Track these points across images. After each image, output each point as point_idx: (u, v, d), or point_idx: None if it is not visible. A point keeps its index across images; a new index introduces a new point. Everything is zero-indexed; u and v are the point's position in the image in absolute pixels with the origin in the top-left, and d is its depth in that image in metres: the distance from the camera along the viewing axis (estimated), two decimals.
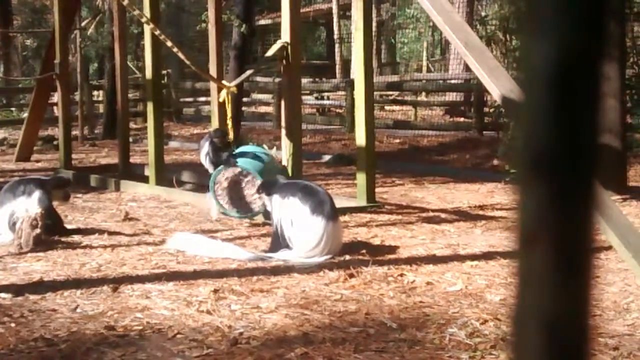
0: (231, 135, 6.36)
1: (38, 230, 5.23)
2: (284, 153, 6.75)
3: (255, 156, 6.20)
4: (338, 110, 18.27)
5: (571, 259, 0.76)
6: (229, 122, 6.37)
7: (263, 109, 19.82)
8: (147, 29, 7.52)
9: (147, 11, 7.78)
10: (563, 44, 0.74)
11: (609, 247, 4.46)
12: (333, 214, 5.03)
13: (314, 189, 5.18)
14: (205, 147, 6.34)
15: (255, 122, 17.17)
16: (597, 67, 0.75)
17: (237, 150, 6.30)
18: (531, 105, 0.76)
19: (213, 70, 8.04)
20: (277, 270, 4.62)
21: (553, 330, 0.75)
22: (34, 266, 4.81)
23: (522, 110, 0.76)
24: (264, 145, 7.03)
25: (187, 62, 6.93)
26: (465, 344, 3.33)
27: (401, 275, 4.47)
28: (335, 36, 25.71)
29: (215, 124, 8.04)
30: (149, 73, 8.11)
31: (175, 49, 6.73)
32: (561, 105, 0.75)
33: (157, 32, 7.06)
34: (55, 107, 13.65)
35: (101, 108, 17.89)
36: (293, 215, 5.01)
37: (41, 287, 4.28)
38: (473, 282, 4.33)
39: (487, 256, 4.95)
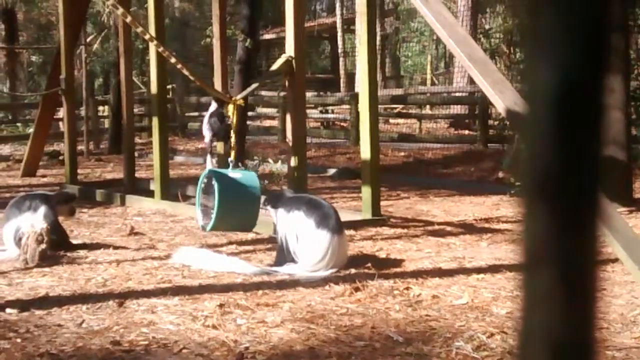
0: (233, 151, 6.32)
1: (44, 246, 5.24)
2: (289, 167, 6.75)
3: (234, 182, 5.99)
4: (343, 124, 18.30)
5: (576, 279, 0.76)
6: (233, 136, 6.37)
7: (268, 122, 19.86)
8: (152, 45, 7.55)
9: (151, 27, 7.82)
10: (567, 62, 0.74)
11: (615, 260, 4.45)
12: (338, 227, 5.02)
13: (319, 203, 5.18)
14: (207, 117, 6.62)
15: (260, 136, 17.20)
16: (600, 84, 0.75)
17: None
18: (535, 124, 0.76)
19: (218, 85, 8.07)
20: (282, 285, 4.61)
21: (559, 350, 0.75)
22: (40, 281, 4.82)
23: (527, 128, 0.76)
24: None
25: (192, 78, 6.94)
26: (472, 357, 3.32)
27: (407, 288, 4.46)
28: (340, 50, 25.78)
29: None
30: (154, 88, 8.14)
31: (179, 65, 6.74)
32: (565, 123, 0.75)
33: (160, 49, 7.08)
34: (60, 123, 13.71)
35: (106, 123, 17.95)
36: (298, 229, 5.01)
37: (47, 302, 4.28)
38: (479, 295, 4.31)
39: (493, 269, 4.94)
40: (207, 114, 6.74)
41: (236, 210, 5.72)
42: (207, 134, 6.62)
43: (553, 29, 0.75)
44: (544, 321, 0.76)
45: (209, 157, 6.76)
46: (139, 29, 6.81)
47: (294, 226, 5.03)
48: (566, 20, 0.75)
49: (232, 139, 6.37)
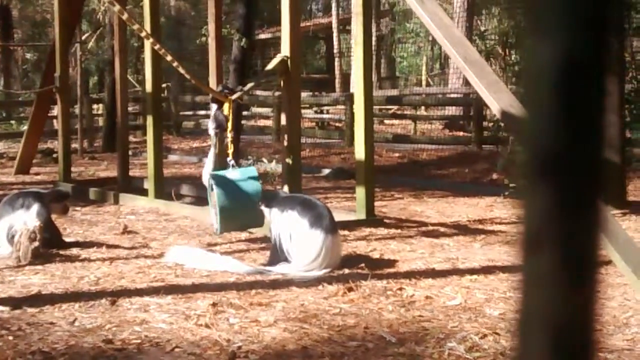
0: (231, 149, 6.33)
1: (36, 244, 5.22)
2: (284, 166, 6.75)
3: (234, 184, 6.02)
4: (337, 124, 18.30)
5: (576, 264, 0.76)
6: (229, 135, 6.36)
7: (263, 122, 19.86)
8: (147, 43, 7.54)
9: (147, 25, 7.81)
10: (568, 48, 0.74)
11: (609, 262, 4.45)
12: (332, 227, 5.02)
13: (313, 203, 5.18)
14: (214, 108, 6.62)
15: (254, 136, 17.19)
16: (602, 61, 0.75)
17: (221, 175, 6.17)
18: (536, 111, 0.75)
19: (213, 84, 8.05)
20: (275, 284, 4.61)
21: (558, 335, 0.75)
22: (32, 279, 4.80)
23: (527, 115, 0.76)
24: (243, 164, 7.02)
25: (187, 76, 6.93)
26: (465, 358, 3.32)
27: (400, 289, 4.46)
28: (335, 50, 25.80)
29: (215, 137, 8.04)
30: (148, 86, 8.12)
31: (175, 63, 6.73)
32: (566, 110, 0.74)
33: (156, 47, 7.07)
34: (55, 120, 13.67)
35: (101, 121, 17.94)
36: (292, 229, 5.01)
37: (39, 300, 4.27)
38: (472, 296, 4.32)
39: (487, 270, 4.94)
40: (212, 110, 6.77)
41: (240, 209, 5.75)
42: (211, 126, 6.63)
43: (554, 5, 0.75)
44: (543, 302, 0.76)
45: (212, 149, 6.74)
46: (135, 26, 6.79)
47: (288, 226, 5.03)
48: (568, 3, 0.75)
49: (230, 137, 6.37)
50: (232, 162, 6.14)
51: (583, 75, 0.75)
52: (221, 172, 6.15)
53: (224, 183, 5.87)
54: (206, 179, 6.26)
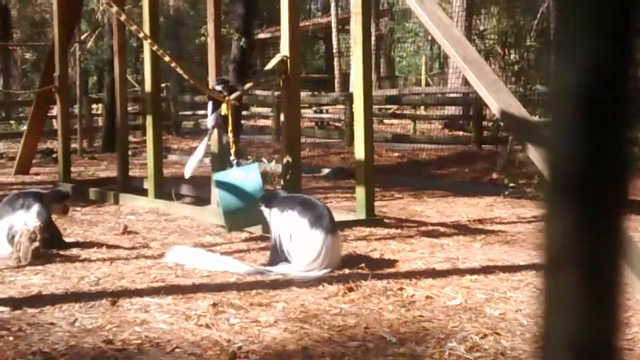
0: (233, 149, 6.35)
1: (37, 244, 5.22)
2: (283, 166, 6.75)
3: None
4: (337, 124, 18.30)
5: (600, 282, 0.75)
6: (230, 135, 6.37)
7: (262, 122, 19.85)
8: (146, 43, 7.54)
9: (146, 26, 7.80)
10: (593, 66, 0.73)
11: None
12: (332, 227, 5.02)
13: (313, 203, 5.18)
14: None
15: (254, 136, 17.19)
16: (626, 84, 0.74)
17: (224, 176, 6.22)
18: (560, 127, 0.75)
19: (212, 84, 8.04)
20: (276, 284, 4.61)
21: (581, 353, 0.74)
22: (33, 280, 4.80)
23: (551, 131, 0.75)
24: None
25: (186, 77, 6.91)
26: (465, 358, 3.32)
27: (400, 289, 4.46)
28: (334, 50, 25.79)
29: (214, 137, 8.04)
30: (148, 86, 8.12)
31: (173, 64, 6.72)
32: (590, 126, 0.74)
33: (154, 48, 7.06)
34: (54, 120, 13.67)
35: (100, 121, 17.94)
36: (292, 229, 5.01)
37: (39, 300, 4.27)
38: (472, 296, 4.32)
39: (487, 270, 4.94)
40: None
41: (244, 208, 5.80)
42: (210, 122, 6.67)
43: (578, 29, 0.74)
44: (566, 323, 0.75)
45: (205, 141, 6.80)
46: (133, 27, 6.78)
47: (288, 226, 5.03)
48: (592, 19, 0.74)
49: (231, 137, 6.38)
50: (235, 161, 6.19)
51: (607, 96, 0.74)
52: (223, 172, 6.20)
53: (226, 183, 5.93)
54: (189, 171, 6.36)
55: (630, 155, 0.74)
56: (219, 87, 6.51)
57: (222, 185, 5.96)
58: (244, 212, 5.83)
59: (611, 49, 0.74)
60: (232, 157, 6.23)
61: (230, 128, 6.36)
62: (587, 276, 0.74)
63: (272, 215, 5.16)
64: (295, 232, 4.99)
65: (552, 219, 0.76)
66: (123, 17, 6.87)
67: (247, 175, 5.95)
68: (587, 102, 0.74)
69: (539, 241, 0.77)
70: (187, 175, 6.58)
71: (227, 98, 6.49)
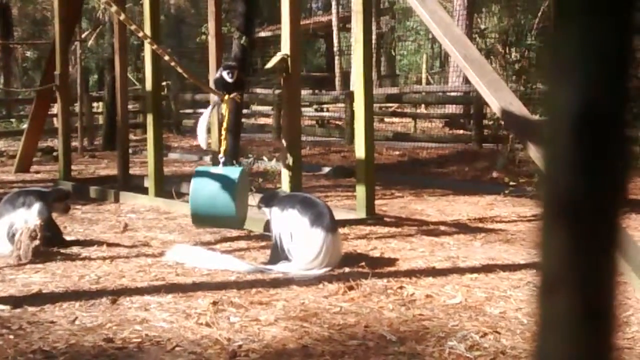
0: (223, 147, 6.33)
1: (37, 242, 5.22)
2: (284, 165, 6.75)
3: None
4: (337, 122, 18.29)
5: (596, 305, 0.74)
6: (224, 133, 6.35)
7: (263, 120, 19.85)
8: (146, 42, 7.53)
9: (147, 24, 7.80)
10: (588, 89, 0.73)
11: None
12: (332, 226, 5.02)
13: (313, 201, 5.17)
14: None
15: (254, 134, 17.19)
16: (623, 104, 0.73)
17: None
18: (556, 150, 0.74)
19: (212, 82, 8.04)
20: (276, 283, 4.61)
21: None
22: (33, 278, 4.81)
23: (547, 158, 0.75)
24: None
25: (186, 75, 6.90)
26: (465, 357, 3.32)
27: (401, 287, 4.46)
28: (335, 48, 25.78)
29: (215, 135, 8.04)
30: (148, 85, 8.12)
31: (173, 63, 6.68)
32: (586, 150, 0.73)
33: (154, 47, 7.04)
34: (55, 119, 13.67)
35: (101, 119, 17.93)
36: (292, 228, 5.01)
37: (40, 298, 4.27)
38: (473, 294, 4.32)
39: (487, 269, 4.94)
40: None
41: (211, 210, 5.78)
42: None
43: (574, 48, 0.74)
44: (561, 345, 0.74)
45: (210, 107, 6.85)
46: (133, 27, 6.78)
47: (288, 224, 5.03)
48: (588, 39, 0.73)
49: (223, 134, 6.37)
50: (223, 159, 6.13)
51: (603, 122, 0.74)
52: (204, 169, 6.27)
53: (203, 179, 5.92)
54: (202, 142, 6.46)
55: (625, 182, 0.74)
56: (225, 73, 6.39)
57: (198, 181, 5.93)
58: (212, 213, 5.79)
59: (608, 80, 0.74)
60: (220, 155, 6.19)
61: (224, 126, 6.34)
62: (582, 301, 0.74)
63: (273, 214, 5.16)
64: (295, 231, 4.99)
65: (547, 240, 0.75)
66: (122, 17, 6.86)
67: (225, 177, 5.87)
68: (583, 130, 0.73)
69: (535, 262, 0.76)
70: (204, 147, 6.71)
71: (226, 97, 6.46)
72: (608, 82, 0.73)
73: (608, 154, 0.74)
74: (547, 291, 0.75)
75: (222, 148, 6.28)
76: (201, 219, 5.90)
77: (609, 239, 0.74)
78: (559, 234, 0.74)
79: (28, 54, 28.65)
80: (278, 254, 5.05)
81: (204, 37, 19.48)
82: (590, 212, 0.74)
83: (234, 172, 5.95)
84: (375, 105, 10.52)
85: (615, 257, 0.74)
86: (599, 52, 0.73)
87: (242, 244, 5.91)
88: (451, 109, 16.78)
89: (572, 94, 0.73)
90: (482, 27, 16.71)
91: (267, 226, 5.62)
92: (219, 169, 6.03)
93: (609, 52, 0.73)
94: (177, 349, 3.41)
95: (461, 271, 4.90)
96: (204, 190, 5.82)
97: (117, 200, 8.24)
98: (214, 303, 4.07)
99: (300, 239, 4.96)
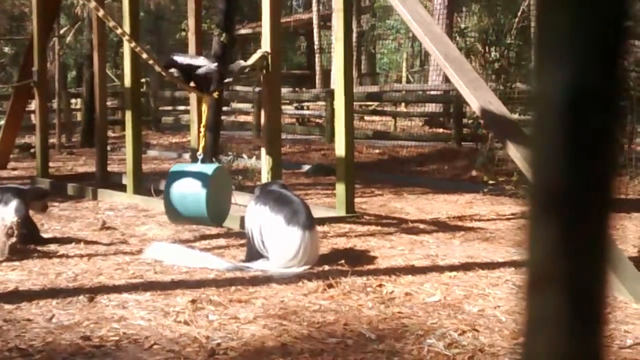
0: (202, 144, 6.35)
1: (14, 239, 5.17)
2: (264, 163, 6.73)
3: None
4: (318, 120, 18.28)
5: (583, 301, 0.73)
6: (202, 130, 6.35)
7: (243, 118, 19.80)
8: (125, 39, 7.48)
9: (126, 21, 7.75)
10: (576, 78, 0.71)
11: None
12: (309, 223, 5.00)
13: (289, 198, 5.14)
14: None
15: (234, 132, 17.14)
16: (611, 101, 0.72)
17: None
18: (543, 142, 0.72)
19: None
20: (255, 281, 4.59)
21: None
22: (9, 275, 4.76)
23: (534, 148, 0.73)
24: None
25: (164, 74, 6.84)
26: (444, 354, 3.33)
27: (380, 285, 4.46)
28: (316, 46, 25.76)
29: (194, 132, 8.01)
30: (127, 81, 8.07)
31: (151, 62, 6.62)
32: (574, 141, 0.72)
33: (132, 45, 6.99)
34: (32, 115, 13.55)
35: (79, 116, 17.80)
36: (268, 225, 4.97)
37: (16, 296, 4.23)
38: (451, 292, 4.33)
39: (466, 267, 4.96)
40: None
41: (184, 205, 5.80)
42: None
43: (565, 28, 0.72)
44: (549, 343, 0.73)
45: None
46: (111, 24, 6.72)
47: (263, 222, 4.99)
48: (580, 18, 0.71)
49: (202, 131, 6.36)
50: (202, 156, 6.17)
51: (592, 108, 0.72)
52: (180, 166, 6.26)
53: (178, 176, 5.95)
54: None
55: (615, 171, 0.72)
56: (214, 66, 6.31)
57: (173, 177, 5.98)
58: (186, 212, 5.85)
59: (598, 64, 0.72)
60: (199, 152, 6.22)
61: (203, 123, 6.33)
62: (570, 296, 0.72)
63: (248, 210, 5.15)
64: (271, 229, 4.95)
65: (534, 235, 0.74)
66: (101, 13, 6.80)
67: (200, 176, 5.90)
68: (571, 116, 0.71)
69: (522, 258, 0.75)
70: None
71: (206, 93, 6.43)
72: (597, 66, 0.72)
73: (597, 145, 0.72)
74: (535, 286, 0.74)
75: (201, 145, 6.28)
76: (176, 217, 5.95)
77: (598, 229, 0.73)
78: (546, 230, 0.72)
79: (5, 49, 28.37)
80: (255, 251, 5.03)
81: (183, 33, 19.38)
82: (578, 202, 0.72)
83: (209, 169, 5.96)
84: (355, 103, 10.53)
85: (605, 251, 0.73)
86: (589, 35, 0.72)
87: (222, 241, 5.89)
88: (431, 107, 16.83)
89: (560, 79, 0.71)
90: (462, 26, 16.76)
91: (243, 223, 5.60)
92: (196, 166, 6.05)
93: (599, 36, 0.72)
94: (155, 347, 3.39)
95: (440, 269, 4.91)
96: (177, 188, 5.86)
97: (95, 197, 8.18)
98: (193, 301, 4.06)
99: (277, 237, 4.93)
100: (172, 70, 6.23)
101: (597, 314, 0.74)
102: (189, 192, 5.82)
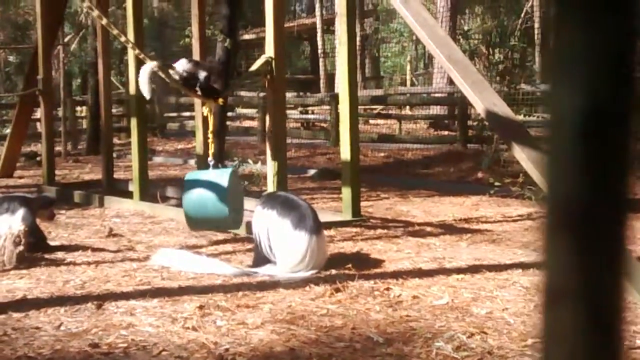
0: (212, 150, 6.35)
1: (21, 248, 5.19)
2: (269, 167, 6.74)
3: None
4: (322, 125, 18.31)
5: (600, 315, 0.73)
6: (210, 136, 6.36)
7: (248, 123, 19.83)
8: (129, 47, 7.49)
9: (130, 28, 7.76)
10: (592, 94, 0.71)
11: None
12: (316, 227, 4.99)
13: (296, 203, 5.15)
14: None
15: (239, 137, 17.16)
16: (626, 117, 0.72)
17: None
18: (559, 157, 0.72)
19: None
20: (262, 286, 4.59)
21: None
22: (17, 284, 4.77)
23: (549, 164, 0.73)
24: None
25: (168, 81, 6.84)
26: (452, 357, 3.32)
27: (387, 289, 4.46)
28: (320, 50, 25.79)
29: (199, 138, 8.02)
30: (132, 88, 8.08)
31: (156, 69, 6.61)
32: (590, 156, 0.72)
33: (136, 52, 7.00)
34: (38, 123, 13.59)
35: (84, 124, 17.84)
36: (275, 230, 4.97)
37: (24, 304, 4.24)
38: (459, 295, 4.32)
39: (473, 269, 4.95)
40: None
41: (205, 212, 5.80)
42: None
43: (578, 61, 0.72)
44: (566, 357, 0.73)
45: None
46: (115, 32, 6.73)
47: (271, 226, 4.99)
48: (591, 41, 0.72)
49: (211, 138, 6.37)
50: (212, 162, 6.18)
51: (607, 125, 0.72)
52: (195, 172, 6.23)
53: (194, 183, 5.94)
54: (143, 84, 6.19)
55: (630, 187, 0.72)
56: (203, 76, 6.28)
57: (190, 185, 5.97)
58: (206, 215, 5.83)
59: (612, 83, 0.72)
60: (210, 159, 6.23)
61: (210, 129, 6.34)
62: (587, 310, 0.72)
63: (255, 215, 5.15)
64: (279, 233, 4.96)
65: (551, 251, 0.73)
66: (104, 21, 6.82)
67: (216, 178, 5.90)
68: (586, 133, 0.71)
69: (540, 272, 0.74)
70: (148, 97, 6.45)
71: (211, 99, 6.43)
72: (611, 85, 0.72)
73: (611, 157, 0.72)
74: (551, 301, 0.74)
75: (211, 151, 6.30)
76: (195, 222, 5.93)
77: (614, 244, 0.72)
78: (563, 244, 0.72)
79: (10, 58, 28.45)
80: (262, 256, 5.03)
81: (187, 40, 19.42)
82: (594, 218, 0.72)
83: (224, 173, 5.98)
84: (360, 107, 10.53)
85: (621, 265, 0.72)
86: (602, 54, 0.72)
87: (228, 247, 5.89)
88: (436, 110, 16.84)
89: (576, 98, 0.71)
90: (466, 28, 16.77)
91: (249, 228, 5.61)
92: (209, 172, 6.05)
93: (612, 55, 0.72)
94: (163, 353, 3.39)
95: (447, 272, 4.90)
96: (195, 194, 5.84)
97: (101, 204, 8.20)
98: (200, 307, 4.06)
99: (284, 241, 4.93)
100: (176, 76, 6.23)
101: (615, 329, 0.73)
102: (209, 197, 5.82)
